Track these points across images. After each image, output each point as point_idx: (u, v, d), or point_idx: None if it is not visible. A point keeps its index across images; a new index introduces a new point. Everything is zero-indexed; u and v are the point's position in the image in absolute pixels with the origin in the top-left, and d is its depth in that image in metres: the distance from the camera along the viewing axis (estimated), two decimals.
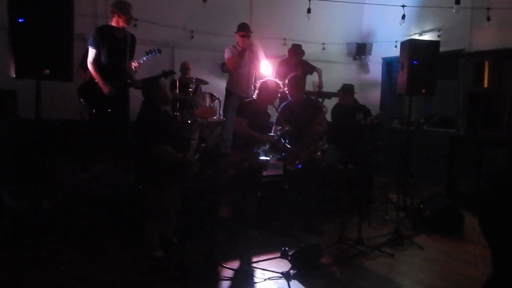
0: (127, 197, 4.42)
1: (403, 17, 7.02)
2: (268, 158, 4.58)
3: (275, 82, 4.59)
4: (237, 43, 5.78)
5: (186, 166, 3.79)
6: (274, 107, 4.72)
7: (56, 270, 3.58)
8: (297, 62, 6.65)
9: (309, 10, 6.50)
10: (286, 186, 4.90)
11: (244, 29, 5.65)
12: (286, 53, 7.16)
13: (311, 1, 6.48)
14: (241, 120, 4.40)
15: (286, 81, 5.12)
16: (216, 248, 3.88)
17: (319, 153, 4.78)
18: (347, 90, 5.80)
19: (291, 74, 5.12)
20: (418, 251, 4.37)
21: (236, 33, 5.72)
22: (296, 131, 4.58)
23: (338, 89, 6.28)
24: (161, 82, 3.97)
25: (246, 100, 4.83)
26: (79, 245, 4.04)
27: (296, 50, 6.72)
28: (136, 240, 4.09)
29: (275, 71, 6.35)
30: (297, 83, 4.99)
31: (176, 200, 3.92)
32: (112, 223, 4.29)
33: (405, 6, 7.02)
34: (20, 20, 3.29)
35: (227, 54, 5.72)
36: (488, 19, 6.76)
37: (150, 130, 3.73)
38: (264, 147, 4.47)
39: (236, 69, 5.66)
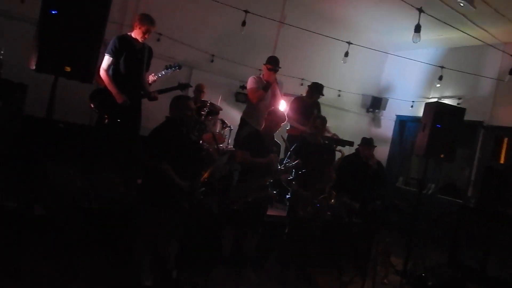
0: (123, 213, 4.15)
1: (440, 78, 7.02)
2: (275, 192, 4.35)
3: (282, 111, 4.47)
4: (262, 75, 5.66)
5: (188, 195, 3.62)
6: (282, 138, 4.57)
7: (34, 284, 3.26)
8: (313, 102, 6.32)
9: (346, 54, 6.46)
10: (286, 230, 4.70)
11: (273, 63, 5.52)
12: (303, 93, 7.01)
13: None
14: (243, 152, 4.17)
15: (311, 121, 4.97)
16: (210, 285, 3.59)
17: (332, 201, 4.55)
18: (371, 144, 5.64)
19: (316, 115, 4.97)
20: None
21: (264, 64, 5.59)
22: (310, 175, 4.37)
23: (348, 139, 6.18)
24: (189, 102, 3.90)
25: (248, 134, 4.64)
26: (63, 258, 3.72)
27: (317, 89, 6.30)
28: (124, 261, 3.83)
29: (288, 107, 6.17)
30: (321, 125, 4.84)
31: (173, 226, 3.67)
32: (102, 239, 3.99)
33: (444, 68, 7.06)
34: (52, 12, 3.12)
35: (250, 84, 5.56)
36: None
37: (157, 143, 3.63)
38: (271, 180, 4.22)
39: (259, 102, 5.49)
